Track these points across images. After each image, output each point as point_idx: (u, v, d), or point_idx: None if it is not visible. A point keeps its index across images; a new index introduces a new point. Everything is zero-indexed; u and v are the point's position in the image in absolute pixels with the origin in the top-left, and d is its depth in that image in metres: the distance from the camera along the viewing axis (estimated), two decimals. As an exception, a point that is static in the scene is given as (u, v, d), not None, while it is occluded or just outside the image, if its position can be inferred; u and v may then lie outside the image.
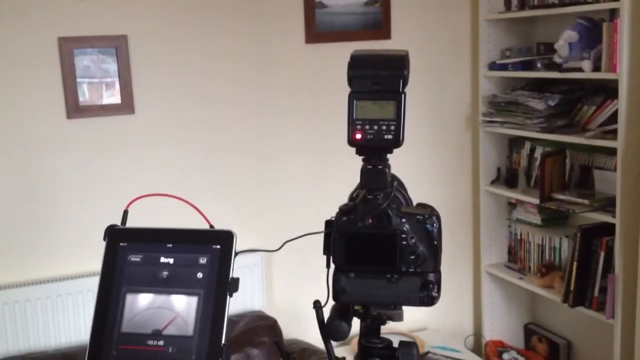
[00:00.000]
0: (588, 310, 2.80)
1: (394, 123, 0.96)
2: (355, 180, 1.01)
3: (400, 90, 0.97)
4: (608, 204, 2.69)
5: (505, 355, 3.29)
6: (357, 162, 1.01)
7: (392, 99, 0.97)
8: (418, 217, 0.99)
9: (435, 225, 0.99)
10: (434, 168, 3.34)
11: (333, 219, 1.01)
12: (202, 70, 2.92)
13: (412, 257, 0.99)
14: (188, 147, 2.93)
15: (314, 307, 1.05)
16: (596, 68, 2.67)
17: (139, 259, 0.98)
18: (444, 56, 3.31)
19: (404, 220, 0.99)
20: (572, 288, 2.82)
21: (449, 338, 3.33)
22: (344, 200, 1.05)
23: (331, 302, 1.05)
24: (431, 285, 1.00)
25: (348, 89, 0.98)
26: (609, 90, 2.74)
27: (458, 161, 3.40)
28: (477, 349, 3.47)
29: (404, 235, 0.98)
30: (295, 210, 3.06)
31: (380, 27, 3.16)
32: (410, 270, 0.99)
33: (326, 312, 1.05)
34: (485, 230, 3.36)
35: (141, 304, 0.95)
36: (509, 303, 3.45)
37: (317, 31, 3.06)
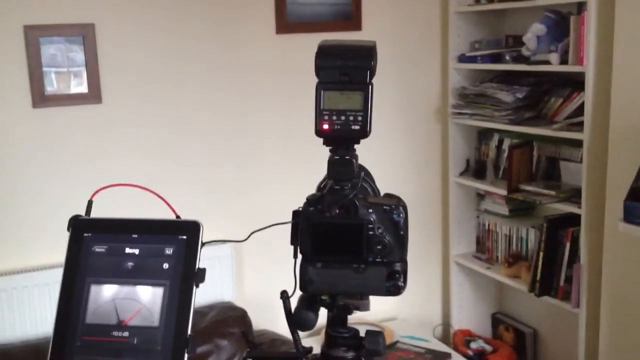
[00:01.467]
0: (554, 299, 2.85)
1: (361, 114, 0.96)
2: (324, 170, 1.01)
3: (368, 81, 0.97)
4: (574, 195, 2.74)
5: (472, 344, 3.33)
6: (326, 152, 1.01)
7: (360, 90, 0.97)
8: (385, 207, 1.00)
9: (402, 215, 1.00)
10: (403, 159, 3.36)
11: (300, 209, 1.01)
12: (171, 59, 2.89)
13: (379, 247, 0.99)
14: (155, 137, 2.90)
15: (281, 298, 1.05)
16: (563, 61, 2.71)
17: (103, 250, 0.97)
18: (414, 48, 3.32)
19: (370, 210, 0.99)
20: (538, 278, 2.86)
21: (417, 327, 3.36)
22: (313, 190, 1.05)
23: (298, 293, 1.05)
24: (397, 275, 1.01)
25: (314, 77, 0.98)
26: (576, 82, 2.78)
27: (427, 152, 3.42)
28: (445, 338, 3.51)
29: (370, 226, 0.99)
30: (263, 200, 3.06)
31: (350, 18, 3.16)
32: (377, 260, 1.00)
33: (293, 303, 1.05)
34: (454, 220, 3.39)
35: (106, 295, 0.94)
36: (476, 293, 3.49)
37: (288, 21, 3.05)
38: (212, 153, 3.01)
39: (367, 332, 1.06)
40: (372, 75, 0.97)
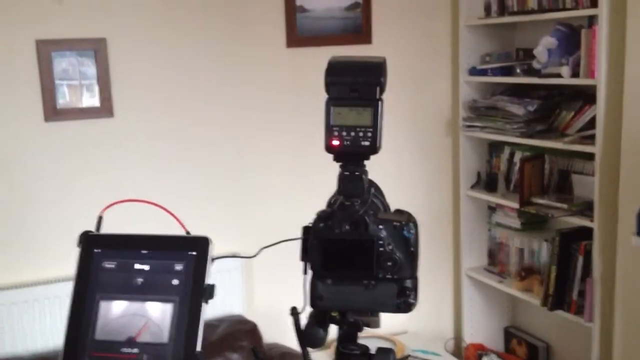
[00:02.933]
0: (567, 313, 2.82)
1: (371, 130, 0.96)
2: (334, 186, 1.01)
3: (377, 97, 0.97)
4: (586, 209, 2.72)
5: (485, 359, 3.30)
6: (336, 167, 1.01)
7: (369, 106, 0.97)
8: (395, 223, 0.99)
9: (412, 231, 1.00)
10: (414, 173, 3.35)
11: (310, 225, 1.01)
12: (182, 74, 2.91)
13: (389, 263, 0.99)
14: (167, 152, 2.91)
15: (291, 314, 1.05)
16: (575, 74, 2.70)
17: (113, 266, 0.97)
18: (424, 61, 3.32)
19: (381, 226, 0.99)
20: (551, 292, 2.84)
21: (429, 341, 3.34)
22: (323, 206, 1.05)
23: (308, 309, 1.05)
24: (408, 292, 1.00)
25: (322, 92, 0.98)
26: (587, 95, 2.76)
27: (438, 165, 3.41)
28: (457, 352, 3.48)
29: (381, 242, 0.98)
30: (273, 215, 3.05)
31: (361, 31, 3.17)
32: (387, 276, 0.99)
33: (303, 319, 1.05)
34: (465, 234, 3.37)
35: (115, 311, 0.94)
36: (488, 306, 3.47)
37: (298, 35, 3.06)
38: (222, 168, 3.01)
39: (378, 349, 1.05)
40: (382, 91, 0.97)
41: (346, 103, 0.97)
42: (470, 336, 3.46)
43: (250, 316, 2.98)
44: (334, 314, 1.04)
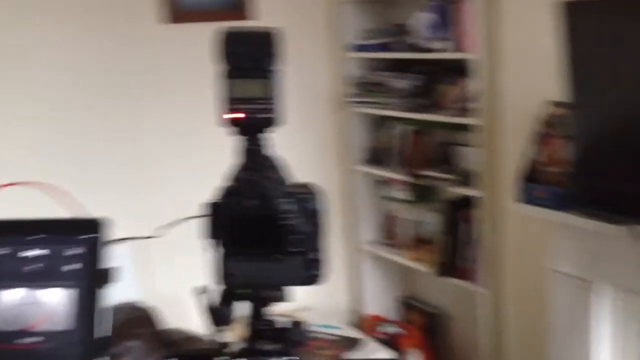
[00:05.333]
0: (459, 280, 2.94)
1: (272, 101, 0.95)
2: (229, 160, 0.99)
3: (274, 67, 0.96)
4: (469, 178, 2.83)
5: (383, 329, 3.39)
6: (229, 143, 0.98)
7: (267, 77, 0.95)
8: (301, 196, 0.99)
9: (318, 204, 1.00)
10: (303, 150, 3.36)
11: (216, 201, 0.98)
12: (62, 57, 2.79)
13: (296, 236, 0.98)
14: (52, 132, 2.81)
15: (198, 294, 1.02)
16: (453, 48, 2.79)
17: (0, 254, 0.90)
18: (307, 38, 3.32)
19: (287, 200, 0.98)
20: (442, 260, 2.95)
21: (329, 316, 3.38)
22: (219, 181, 1.03)
23: (214, 288, 1.02)
24: (314, 264, 1.00)
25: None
26: (465, 69, 2.86)
27: (327, 142, 3.44)
28: (356, 324, 3.55)
29: (288, 215, 0.98)
30: (171, 195, 2.98)
31: (243, 7, 3.13)
32: (295, 250, 0.99)
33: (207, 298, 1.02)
34: (358, 208, 3.44)
35: (6, 301, 0.88)
36: (385, 278, 3.55)
37: (180, 10, 3.00)
38: (114, 152, 2.94)
39: (293, 322, 1.05)
40: (279, 60, 0.96)
41: (243, 74, 0.95)
42: (369, 308, 3.53)
43: (150, 301, 2.90)
44: (243, 290, 1.02)
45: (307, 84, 3.34)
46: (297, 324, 1.05)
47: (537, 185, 2.24)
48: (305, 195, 1.00)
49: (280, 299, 1.04)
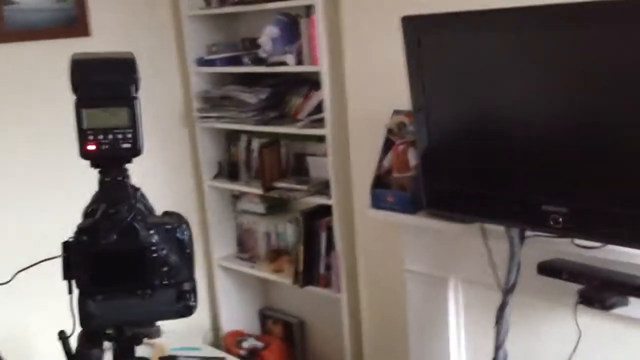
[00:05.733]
0: (317, 288, 2.98)
1: (131, 131, 0.91)
2: (88, 194, 0.93)
3: (133, 95, 0.92)
4: (324, 188, 2.88)
5: (244, 344, 3.36)
6: (90, 174, 0.93)
7: (125, 105, 0.91)
8: (167, 226, 0.96)
9: (186, 232, 0.97)
10: (154, 167, 3.25)
11: (72, 239, 0.92)
12: None
13: (165, 268, 0.95)
14: None
15: (60, 338, 0.96)
16: (299, 61, 2.83)
17: None
18: (152, 53, 3.23)
19: (152, 231, 0.94)
20: (300, 269, 2.98)
21: (188, 337, 3.29)
22: (78, 218, 0.97)
23: (78, 330, 0.96)
24: (188, 295, 0.97)
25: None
26: (313, 81, 2.92)
27: (178, 158, 3.36)
28: (217, 342, 3.49)
29: (154, 248, 0.94)
30: (22, 234, 2.77)
31: (76, 23, 2.97)
32: (164, 282, 0.95)
33: (74, 342, 0.96)
34: (212, 224, 3.38)
35: None
36: (243, 292, 3.53)
37: (7, 29, 2.78)
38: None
39: (161, 359, 1.01)
40: (137, 88, 0.92)
41: (99, 104, 0.90)
42: (228, 324, 3.49)
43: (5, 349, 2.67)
44: (109, 331, 0.97)
45: (159, 100, 3.24)
46: (168, 359, 1.01)
47: (387, 191, 2.32)
48: (172, 225, 0.96)
49: (152, 335, 1.00)
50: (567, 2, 1.55)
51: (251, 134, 3.20)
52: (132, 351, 1.01)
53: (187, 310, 0.97)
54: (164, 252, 0.95)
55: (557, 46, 1.61)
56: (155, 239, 0.94)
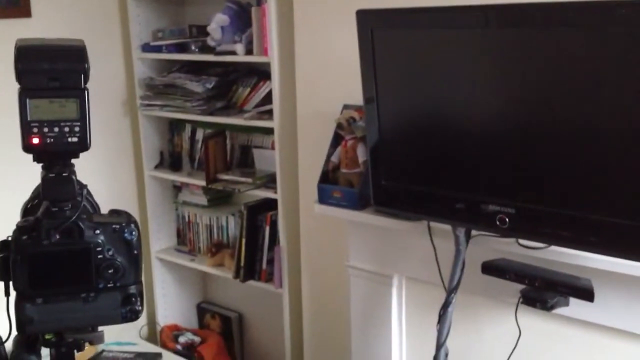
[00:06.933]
0: (258, 282, 2.94)
1: (78, 123, 0.85)
2: (26, 189, 0.87)
3: (82, 86, 0.86)
4: (269, 181, 2.84)
5: (181, 338, 3.30)
6: (27, 168, 0.86)
7: (74, 97, 0.85)
8: (114, 226, 0.90)
9: (134, 233, 0.92)
10: (93, 155, 3.12)
11: (10, 238, 0.86)
12: None
13: (110, 271, 0.90)
14: None
15: (-6, 345, 0.89)
16: (249, 51, 2.77)
17: None
18: (94, 37, 3.09)
19: (98, 231, 0.89)
20: (242, 264, 2.93)
21: (122, 332, 3.20)
22: (16, 215, 0.90)
23: (14, 335, 0.90)
24: (134, 299, 0.92)
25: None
26: (261, 72, 2.87)
27: (118, 147, 3.25)
28: (152, 337, 3.41)
29: (99, 249, 0.89)
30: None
31: (17, 4, 2.83)
32: (109, 285, 0.90)
33: (9, 347, 0.90)
34: (152, 215, 3.30)
35: None
36: (181, 286, 3.45)
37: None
38: None
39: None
40: (87, 79, 0.86)
41: (45, 94, 0.83)
42: (165, 318, 3.41)
43: None
44: (48, 336, 0.91)
45: (100, 86, 3.11)
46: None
47: (334, 187, 2.29)
48: (119, 225, 0.91)
49: (93, 341, 0.94)
50: (517, 2, 1.56)
51: (196, 124, 3.13)
52: (72, 358, 0.95)
53: (132, 315, 0.92)
54: (110, 252, 0.89)
55: (504, 45, 1.62)
56: (101, 239, 0.89)
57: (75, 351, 0.94)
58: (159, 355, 2.99)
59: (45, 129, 0.83)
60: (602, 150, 1.50)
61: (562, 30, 1.51)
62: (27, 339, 0.90)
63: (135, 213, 3.27)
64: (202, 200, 3.19)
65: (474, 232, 1.90)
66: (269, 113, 2.75)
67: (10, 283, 0.87)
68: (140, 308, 0.92)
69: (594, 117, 1.50)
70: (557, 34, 1.51)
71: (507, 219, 1.68)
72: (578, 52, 1.50)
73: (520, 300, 1.90)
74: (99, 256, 0.88)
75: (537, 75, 1.58)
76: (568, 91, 1.54)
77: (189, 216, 3.29)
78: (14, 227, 0.87)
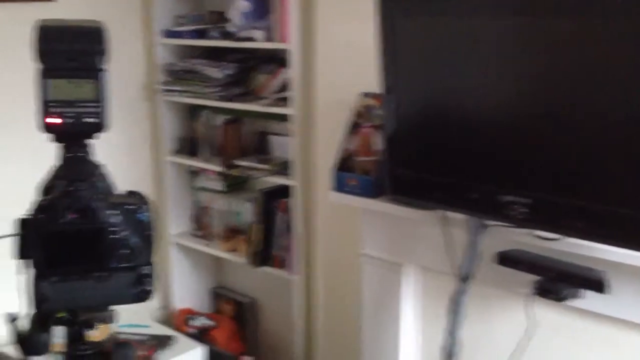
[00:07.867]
0: (272, 268, 2.95)
1: (96, 104, 0.86)
2: (42, 169, 0.88)
3: (101, 66, 0.86)
4: (285, 168, 2.84)
5: (194, 322, 3.32)
6: (47, 149, 0.87)
7: (92, 77, 0.86)
8: (128, 207, 0.91)
9: (148, 214, 0.92)
10: (113, 139, 3.15)
11: (28, 217, 0.87)
12: None
13: (124, 251, 0.91)
14: None
15: (8, 321, 0.91)
16: (268, 38, 2.77)
17: None
18: (117, 22, 3.10)
19: (112, 212, 0.90)
20: (256, 250, 2.94)
21: (136, 314, 3.23)
22: (29, 194, 0.91)
23: (27, 313, 0.91)
24: (146, 279, 0.93)
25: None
26: (280, 59, 2.86)
27: (138, 131, 3.27)
28: (166, 320, 3.44)
29: (113, 229, 0.89)
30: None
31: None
32: (122, 265, 0.91)
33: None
34: (169, 200, 3.32)
35: None
36: (196, 270, 3.48)
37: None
38: None
39: (115, 345, 0.97)
40: (105, 60, 0.87)
41: (64, 74, 0.84)
42: (179, 302, 3.44)
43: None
44: (61, 314, 0.92)
45: (121, 70, 3.13)
46: (121, 346, 0.97)
47: (350, 174, 2.29)
48: (134, 206, 0.92)
49: (105, 320, 0.96)
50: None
51: (215, 110, 3.14)
52: (84, 336, 0.96)
53: (144, 295, 0.93)
54: (125, 233, 0.90)
55: (526, 34, 1.61)
56: (115, 219, 0.90)
57: (87, 329, 0.95)
58: (173, 337, 3.01)
59: (63, 109, 0.84)
60: (618, 141, 1.49)
61: (587, 20, 1.49)
62: (41, 317, 0.91)
63: (153, 196, 3.31)
64: (218, 185, 3.20)
65: (488, 222, 1.90)
66: (287, 100, 2.75)
67: (27, 261, 0.88)
68: (151, 288, 0.93)
69: (614, 107, 1.49)
70: (582, 24, 1.50)
71: (522, 210, 1.67)
72: (604, 42, 1.48)
73: (535, 291, 1.88)
74: (113, 236, 0.89)
75: (558, 66, 1.57)
76: (591, 82, 1.52)
77: (205, 201, 3.30)
78: (26, 206, 0.88)
